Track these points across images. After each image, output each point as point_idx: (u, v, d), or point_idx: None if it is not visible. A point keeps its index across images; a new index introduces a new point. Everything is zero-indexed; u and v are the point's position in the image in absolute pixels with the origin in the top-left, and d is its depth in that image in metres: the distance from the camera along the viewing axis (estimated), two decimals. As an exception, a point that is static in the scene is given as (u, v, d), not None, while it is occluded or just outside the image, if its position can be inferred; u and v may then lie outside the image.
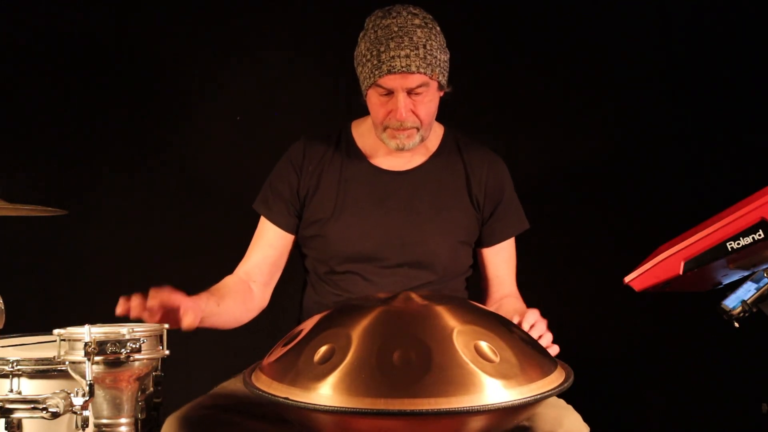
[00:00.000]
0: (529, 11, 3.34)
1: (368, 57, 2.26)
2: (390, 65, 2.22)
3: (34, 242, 3.35)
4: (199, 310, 2.11)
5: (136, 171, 3.41)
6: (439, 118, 2.42)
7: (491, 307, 2.40)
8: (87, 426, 1.87)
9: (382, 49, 2.23)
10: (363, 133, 2.45)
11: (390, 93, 2.26)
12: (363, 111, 2.40)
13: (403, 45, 2.22)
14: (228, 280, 2.40)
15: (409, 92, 2.25)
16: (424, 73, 2.24)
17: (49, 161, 3.38)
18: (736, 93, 3.23)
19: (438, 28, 2.30)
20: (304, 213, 2.41)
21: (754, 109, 3.21)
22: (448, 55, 2.33)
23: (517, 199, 2.49)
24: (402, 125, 2.27)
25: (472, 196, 2.41)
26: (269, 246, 2.44)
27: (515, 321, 2.00)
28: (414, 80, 2.24)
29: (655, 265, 1.82)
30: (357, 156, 2.43)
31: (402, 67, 2.22)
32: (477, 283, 2.50)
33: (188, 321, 2.05)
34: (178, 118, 3.42)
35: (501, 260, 2.47)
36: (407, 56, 2.22)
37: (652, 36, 3.31)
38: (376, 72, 2.24)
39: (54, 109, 3.38)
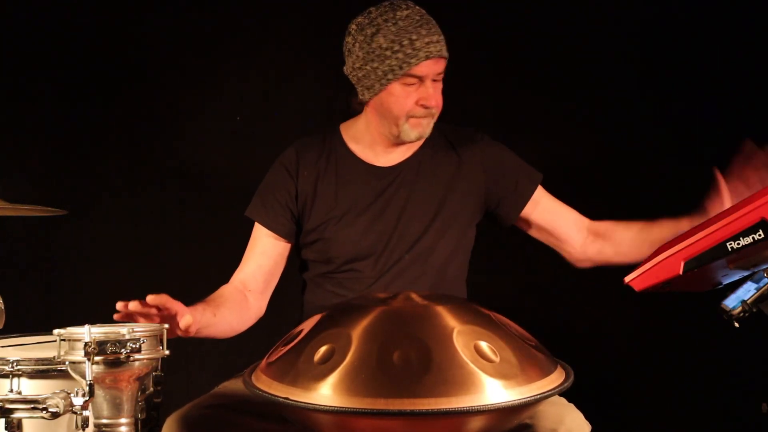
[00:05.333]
0: (526, 11, 3.34)
1: (395, 48, 2.26)
2: (427, 51, 2.26)
3: (34, 242, 3.35)
4: (197, 317, 2.11)
5: (135, 171, 3.41)
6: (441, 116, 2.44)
7: (597, 241, 2.49)
8: (87, 426, 1.87)
9: (414, 37, 2.26)
10: (354, 135, 2.46)
11: (417, 82, 2.30)
12: (354, 113, 2.43)
13: (432, 31, 2.29)
14: (223, 290, 2.39)
15: (434, 79, 2.31)
16: (446, 58, 2.32)
17: (49, 161, 3.39)
18: (737, 92, 3.23)
19: None
20: (304, 220, 2.42)
21: (754, 108, 3.21)
22: None
23: (519, 159, 2.49)
24: (429, 112, 2.32)
25: (468, 180, 2.42)
26: (263, 254, 2.43)
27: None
28: (442, 65, 2.32)
29: (655, 265, 1.82)
30: (350, 157, 2.44)
31: (437, 52, 2.28)
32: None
33: (186, 322, 2.04)
34: (178, 118, 3.42)
35: (548, 209, 2.48)
36: (438, 41, 2.29)
37: (654, 34, 3.30)
38: (412, 60, 2.26)
39: (54, 109, 3.38)
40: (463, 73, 3.25)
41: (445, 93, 2.41)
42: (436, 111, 2.34)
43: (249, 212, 2.46)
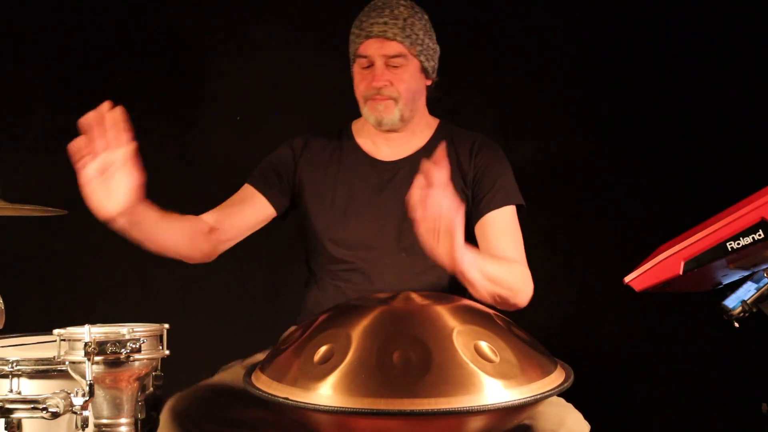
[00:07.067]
0: (529, 9, 3.34)
1: (353, 30, 2.38)
2: (369, 31, 2.33)
3: (34, 242, 3.35)
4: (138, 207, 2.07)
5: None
6: (440, 115, 2.42)
7: None
8: (87, 426, 1.87)
9: (364, 18, 2.35)
10: (360, 129, 2.50)
11: (371, 64, 2.35)
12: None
13: (383, 14, 2.34)
14: (185, 216, 2.33)
15: (388, 63, 2.34)
16: (402, 42, 2.33)
17: (49, 161, 3.38)
18: (737, 92, 3.23)
19: (426, 17, 2.40)
20: (302, 203, 2.44)
21: (754, 108, 3.21)
22: (437, 48, 2.41)
23: (509, 177, 2.42)
24: (379, 93, 2.35)
25: (462, 177, 2.41)
26: (241, 204, 2.41)
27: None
28: (391, 47, 2.33)
29: (655, 265, 1.82)
30: (354, 149, 2.47)
31: (379, 32, 2.32)
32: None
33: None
34: (178, 118, 3.42)
35: (490, 231, 2.35)
36: (385, 23, 2.33)
37: (654, 33, 3.30)
38: (357, 41, 2.35)
39: (54, 108, 3.38)
40: (471, 71, 3.29)
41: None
42: (390, 94, 2.34)
43: (249, 180, 2.45)
